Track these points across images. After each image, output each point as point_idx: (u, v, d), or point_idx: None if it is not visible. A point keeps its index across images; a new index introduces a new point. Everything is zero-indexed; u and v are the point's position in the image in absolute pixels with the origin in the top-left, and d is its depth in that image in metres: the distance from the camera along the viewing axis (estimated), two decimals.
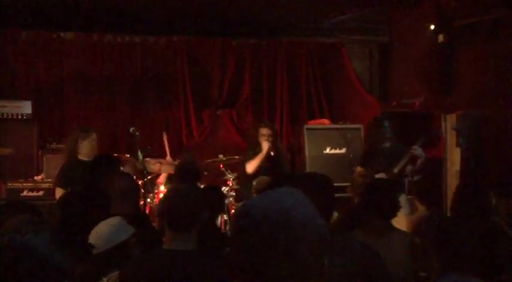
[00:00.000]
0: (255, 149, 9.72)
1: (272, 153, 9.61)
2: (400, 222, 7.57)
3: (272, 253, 1.81)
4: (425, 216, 6.88)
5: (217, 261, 4.08)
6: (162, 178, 10.39)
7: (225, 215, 9.46)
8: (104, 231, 4.65)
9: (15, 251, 2.45)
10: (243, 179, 9.75)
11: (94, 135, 8.49)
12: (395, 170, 8.48)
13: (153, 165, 10.05)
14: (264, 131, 9.78)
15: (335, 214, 7.51)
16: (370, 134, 9.36)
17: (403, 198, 8.15)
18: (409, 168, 8.55)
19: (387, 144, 8.91)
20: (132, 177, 7.06)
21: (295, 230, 1.82)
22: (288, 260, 1.81)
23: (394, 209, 5.44)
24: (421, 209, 7.15)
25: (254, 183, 8.85)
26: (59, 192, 7.84)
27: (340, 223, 5.66)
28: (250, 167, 9.55)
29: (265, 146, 9.61)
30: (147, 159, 9.86)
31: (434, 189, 7.60)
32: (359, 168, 9.03)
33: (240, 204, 9.55)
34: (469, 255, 3.66)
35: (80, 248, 4.93)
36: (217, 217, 7.03)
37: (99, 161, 7.35)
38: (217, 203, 6.23)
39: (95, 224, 4.81)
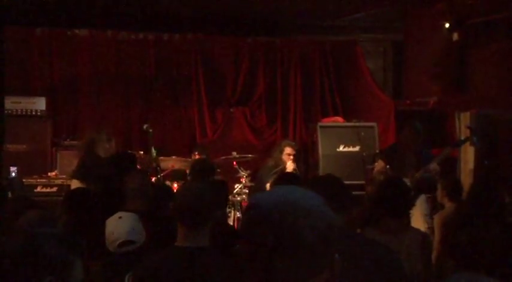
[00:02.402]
0: (276, 166, 9.66)
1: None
2: (417, 221, 7.58)
3: (280, 242, 1.82)
4: (452, 212, 6.88)
5: (230, 258, 4.08)
6: None
7: (238, 213, 9.47)
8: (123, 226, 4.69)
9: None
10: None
11: (108, 138, 8.52)
12: (418, 175, 8.45)
13: (166, 162, 10.06)
14: (289, 150, 9.79)
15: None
16: (402, 134, 9.29)
17: (422, 199, 8.15)
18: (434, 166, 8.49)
19: (416, 148, 8.85)
20: (146, 174, 7.09)
21: (302, 218, 1.83)
22: (296, 249, 1.82)
23: (406, 207, 5.42)
24: (449, 205, 7.16)
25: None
26: (74, 184, 7.89)
27: (356, 221, 5.65)
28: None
29: (290, 166, 9.59)
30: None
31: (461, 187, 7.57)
32: (381, 163, 8.98)
33: None
34: (484, 254, 3.64)
35: (88, 244, 4.96)
36: (220, 211, 7.01)
37: (118, 158, 7.38)
38: (220, 198, 6.19)
39: (101, 219, 4.85)
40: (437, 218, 7.17)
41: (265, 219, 1.84)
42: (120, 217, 4.77)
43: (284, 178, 6.32)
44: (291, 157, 9.76)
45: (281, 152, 9.88)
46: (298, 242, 1.81)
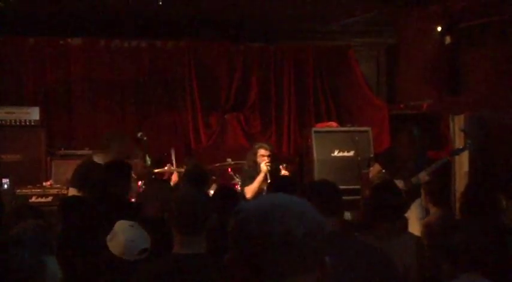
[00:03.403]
0: (253, 172, 9.53)
1: (269, 181, 9.31)
2: (412, 225, 7.58)
3: (268, 247, 1.82)
4: (437, 218, 6.87)
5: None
6: (174, 178, 10.36)
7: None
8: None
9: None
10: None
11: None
12: (414, 180, 8.46)
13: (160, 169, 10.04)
14: (262, 151, 9.61)
15: (347, 214, 7.52)
16: (400, 138, 9.30)
17: (417, 203, 8.14)
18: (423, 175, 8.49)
19: (413, 153, 8.86)
20: (166, 182, 7.10)
21: (289, 222, 1.84)
22: (284, 254, 1.82)
23: (400, 211, 5.43)
24: (434, 211, 7.14)
25: None
26: (71, 193, 7.89)
27: (351, 225, 5.66)
28: (250, 191, 9.34)
29: (263, 168, 9.42)
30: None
31: (446, 191, 7.59)
32: (377, 167, 8.98)
33: None
34: (480, 257, 3.65)
35: (86, 249, 4.96)
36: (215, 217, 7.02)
37: (112, 166, 7.38)
38: (231, 204, 6.21)
39: (97, 227, 4.84)
40: (422, 225, 7.16)
41: (250, 225, 1.85)
42: (131, 225, 4.77)
43: (277, 183, 6.30)
44: (265, 158, 9.59)
45: (255, 154, 9.73)
46: (286, 238, 1.81)
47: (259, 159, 9.52)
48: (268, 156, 9.52)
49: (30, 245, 2.57)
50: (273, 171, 9.40)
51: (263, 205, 1.88)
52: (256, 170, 9.47)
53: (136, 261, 4.60)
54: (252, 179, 9.39)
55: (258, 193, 9.07)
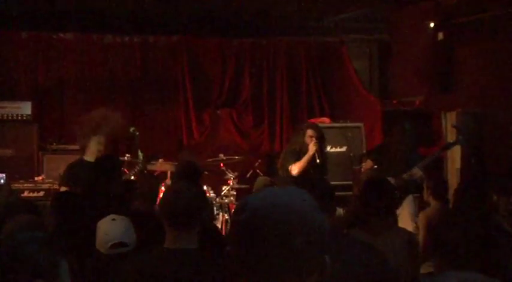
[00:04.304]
0: (299, 151, 9.44)
1: (318, 160, 9.26)
2: (405, 220, 7.61)
3: (269, 246, 1.81)
4: (437, 210, 6.92)
5: (219, 260, 4.07)
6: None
7: (226, 215, 9.45)
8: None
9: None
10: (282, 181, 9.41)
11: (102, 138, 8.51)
12: (405, 176, 8.47)
13: (152, 164, 10.03)
14: (311, 132, 9.54)
15: (339, 211, 7.53)
16: (392, 134, 9.30)
17: (409, 199, 8.16)
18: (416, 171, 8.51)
19: (405, 149, 8.86)
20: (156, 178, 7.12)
21: (291, 222, 1.83)
22: (286, 253, 1.81)
23: (391, 208, 5.43)
24: (434, 204, 7.19)
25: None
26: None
27: (343, 221, 5.66)
28: (297, 168, 9.25)
29: (312, 147, 9.36)
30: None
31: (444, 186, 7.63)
32: (369, 163, 8.98)
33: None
34: (469, 252, 3.66)
35: (77, 246, 4.96)
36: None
37: (102, 162, 7.37)
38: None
39: (89, 222, 4.85)
40: (421, 216, 7.20)
41: (252, 222, 1.84)
42: (113, 219, 4.77)
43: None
44: (313, 139, 9.52)
45: (304, 134, 9.64)
46: (286, 246, 1.80)
47: (307, 140, 9.42)
48: (316, 137, 9.44)
49: (43, 243, 2.57)
50: (320, 152, 9.33)
51: (264, 206, 1.87)
52: (303, 150, 9.36)
53: (121, 255, 4.58)
54: (296, 157, 9.21)
55: (304, 171, 9.01)
